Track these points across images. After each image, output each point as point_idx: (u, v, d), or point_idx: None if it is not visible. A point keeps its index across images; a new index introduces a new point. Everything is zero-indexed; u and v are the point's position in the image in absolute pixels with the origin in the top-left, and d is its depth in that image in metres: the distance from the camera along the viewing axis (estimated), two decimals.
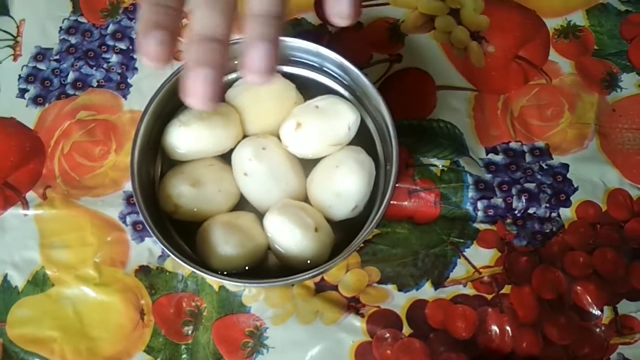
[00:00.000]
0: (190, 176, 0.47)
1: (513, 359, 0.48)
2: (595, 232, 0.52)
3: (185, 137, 0.46)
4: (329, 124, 0.47)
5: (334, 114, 0.47)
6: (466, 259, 0.51)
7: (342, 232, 0.47)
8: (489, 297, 0.50)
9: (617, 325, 0.49)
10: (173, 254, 0.43)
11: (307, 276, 0.43)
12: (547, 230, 0.52)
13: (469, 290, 0.50)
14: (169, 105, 0.48)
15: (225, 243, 0.45)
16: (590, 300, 0.49)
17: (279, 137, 0.48)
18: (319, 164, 0.48)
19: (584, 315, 0.49)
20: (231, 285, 0.49)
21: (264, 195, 0.47)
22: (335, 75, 0.50)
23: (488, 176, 0.53)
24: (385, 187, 0.47)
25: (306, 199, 0.48)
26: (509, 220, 0.52)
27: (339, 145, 0.48)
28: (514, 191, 0.52)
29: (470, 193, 0.52)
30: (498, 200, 0.52)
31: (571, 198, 0.53)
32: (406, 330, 0.49)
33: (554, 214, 0.52)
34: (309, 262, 0.45)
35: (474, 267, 0.51)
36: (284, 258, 0.46)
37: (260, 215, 0.47)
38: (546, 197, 0.52)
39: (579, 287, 0.50)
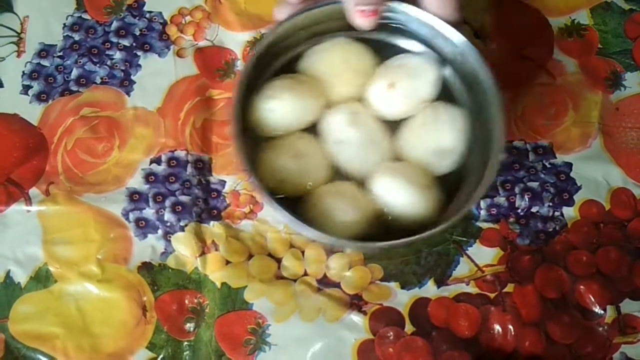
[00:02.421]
0: (289, 149, 0.45)
1: (516, 358, 0.48)
2: (599, 231, 0.52)
3: (276, 110, 0.45)
4: (417, 81, 0.46)
5: (421, 71, 0.46)
6: (469, 257, 0.51)
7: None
8: (492, 295, 0.50)
9: (620, 324, 0.49)
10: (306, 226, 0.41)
11: (434, 231, 0.41)
12: (550, 229, 0.51)
13: (472, 289, 0.50)
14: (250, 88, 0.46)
15: (341, 212, 0.43)
16: (593, 299, 0.49)
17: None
18: (411, 123, 0.47)
19: (587, 314, 0.49)
20: (360, 248, 0.48)
21: (361, 161, 0.46)
22: (411, 33, 0.48)
23: None
24: (485, 137, 0.45)
25: (399, 160, 0.47)
26: (512, 219, 0.52)
27: (427, 102, 0.47)
28: (517, 190, 0.52)
29: None
30: (501, 199, 0.52)
31: (574, 197, 0.52)
32: (408, 328, 0.49)
33: (557, 213, 0.52)
34: (423, 220, 0.44)
35: (476, 265, 0.51)
36: (398, 220, 0.44)
37: (356, 183, 0.46)
38: (549, 196, 0.52)
39: (581, 286, 0.50)
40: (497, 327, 0.48)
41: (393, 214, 0.44)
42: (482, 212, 0.52)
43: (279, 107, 0.45)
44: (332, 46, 0.47)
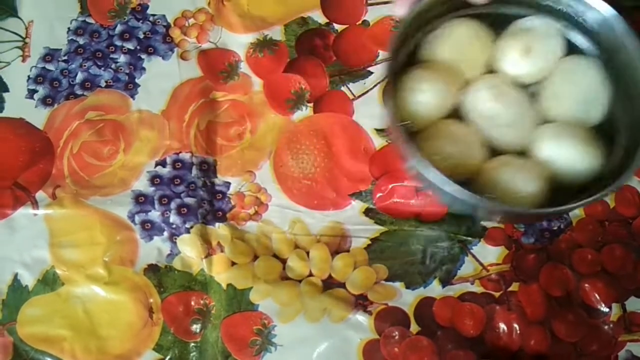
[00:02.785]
0: (444, 135, 0.46)
1: (521, 357, 0.48)
2: (604, 229, 0.51)
3: (423, 102, 0.46)
4: (550, 40, 0.47)
5: (551, 29, 0.48)
6: (474, 256, 0.51)
7: None
8: (497, 294, 0.50)
9: (626, 322, 0.49)
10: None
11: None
12: (555, 228, 0.51)
13: (477, 288, 0.50)
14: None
15: (521, 183, 0.44)
16: (598, 297, 0.49)
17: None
18: (550, 82, 0.47)
19: (592, 313, 0.49)
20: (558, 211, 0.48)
21: (514, 131, 0.47)
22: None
23: None
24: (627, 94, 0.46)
25: (549, 122, 0.47)
26: None
27: (560, 59, 0.48)
28: None
29: None
30: None
31: None
32: (414, 327, 0.49)
33: None
34: (591, 175, 0.45)
35: (481, 264, 0.51)
36: (569, 179, 0.45)
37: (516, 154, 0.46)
38: None
39: (587, 284, 0.50)
40: (503, 326, 0.49)
41: (564, 174, 0.45)
42: None
43: (425, 99, 0.46)
44: (451, 30, 0.48)
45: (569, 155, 0.44)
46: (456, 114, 0.47)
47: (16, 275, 0.51)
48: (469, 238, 0.51)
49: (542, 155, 0.45)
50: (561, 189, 0.45)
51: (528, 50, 0.46)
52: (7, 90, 0.57)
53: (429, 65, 0.48)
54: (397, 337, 0.49)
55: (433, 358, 0.48)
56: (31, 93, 0.57)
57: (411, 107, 0.46)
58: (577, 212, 0.52)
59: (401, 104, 0.46)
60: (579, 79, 0.47)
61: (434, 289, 0.50)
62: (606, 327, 0.49)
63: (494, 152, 0.46)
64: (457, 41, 0.48)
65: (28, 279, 0.51)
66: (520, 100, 0.47)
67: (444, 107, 0.47)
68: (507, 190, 0.43)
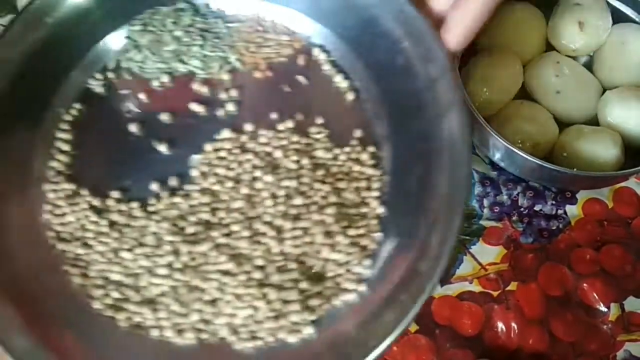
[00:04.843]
0: (519, 116, 0.49)
1: (519, 356, 0.48)
2: (602, 228, 0.52)
3: (497, 83, 0.50)
4: (597, 13, 0.51)
5: (594, 2, 0.51)
6: (472, 255, 0.51)
7: None
8: (495, 293, 0.50)
9: (624, 322, 0.49)
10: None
11: None
12: (554, 227, 0.52)
13: (475, 287, 0.50)
14: None
15: (601, 150, 0.47)
16: (597, 297, 0.49)
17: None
18: (604, 52, 0.52)
19: (591, 312, 0.49)
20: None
21: (580, 103, 0.51)
22: None
23: (494, 173, 0.53)
24: None
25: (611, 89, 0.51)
26: (515, 217, 0.52)
27: (609, 29, 0.51)
28: (519, 188, 0.52)
29: (477, 190, 0.52)
30: (504, 197, 0.52)
31: (577, 195, 0.52)
32: (412, 326, 0.49)
33: (560, 211, 0.52)
34: None
35: (480, 264, 0.51)
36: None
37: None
38: (552, 194, 0.52)
39: (585, 284, 0.50)
40: (501, 325, 0.48)
41: (635, 138, 0.49)
42: (485, 211, 0.52)
43: (495, 84, 0.50)
44: (506, 15, 0.52)
45: (638, 116, 0.48)
46: (523, 93, 0.52)
47: None
48: (468, 237, 0.51)
49: (611, 120, 0.49)
50: (634, 152, 0.49)
51: (582, 25, 0.50)
52: None
53: (491, 51, 0.51)
54: None
55: (431, 357, 0.48)
56: None
57: (482, 94, 0.49)
58: (575, 212, 0.52)
59: (471, 93, 0.48)
60: (631, 45, 0.51)
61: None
62: (605, 326, 0.49)
63: (563, 124, 0.50)
64: (514, 24, 0.52)
65: None
66: (581, 71, 0.51)
67: (513, 89, 0.50)
68: (587, 158, 0.48)
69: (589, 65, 0.53)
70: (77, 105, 0.45)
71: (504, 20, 0.52)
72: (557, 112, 0.50)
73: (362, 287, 0.39)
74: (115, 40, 0.46)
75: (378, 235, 0.40)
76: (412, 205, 0.40)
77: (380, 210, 0.41)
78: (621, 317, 0.49)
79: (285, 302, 0.38)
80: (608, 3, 0.52)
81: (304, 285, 0.39)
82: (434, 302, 0.49)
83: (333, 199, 0.41)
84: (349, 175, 0.42)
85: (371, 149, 0.43)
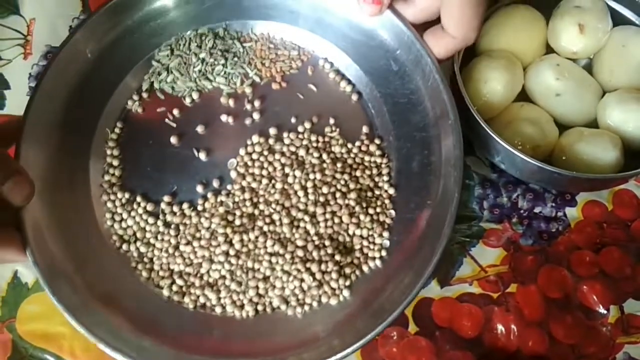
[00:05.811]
0: (519, 118, 0.50)
1: (519, 358, 0.48)
2: (602, 231, 0.52)
3: (492, 92, 0.49)
4: (600, 15, 0.51)
5: (593, 5, 0.51)
6: (472, 257, 0.51)
7: None
8: (495, 295, 0.50)
9: (624, 324, 0.49)
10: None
11: None
12: (553, 230, 0.52)
13: (475, 289, 0.50)
14: None
15: (601, 152, 0.48)
16: (596, 299, 0.49)
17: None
18: (604, 54, 0.52)
19: (590, 314, 0.49)
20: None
21: (580, 105, 0.51)
22: None
23: (494, 175, 0.53)
24: None
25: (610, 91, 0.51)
26: (514, 220, 0.52)
27: (608, 32, 0.51)
28: (519, 190, 0.53)
29: (477, 192, 0.53)
30: (504, 200, 0.52)
31: (577, 197, 0.53)
32: (412, 328, 0.49)
33: (560, 213, 0.52)
34: None
35: (480, 265, 0.51)
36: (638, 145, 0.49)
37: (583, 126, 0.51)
38: (551, 197, 0.52)
39: (585, 286, 0.50)
40: (501, 327, 0.49)
41: (634, 138, 0.49)
42: (485, 213, 0.52)
43: (496, 87, 0.49)
44: (505, 18, 0.53)
45: (637, 118, 0.48)
46: (523, 96, 0.52)
47: (16, 272, 0.51)
48: (468, 239, 0.51)
49: (611, 123, 0.49)
50: (633, 154, 0.49)
51: (582, 28, 0.50)
52: (8, 87, 0.57)
53: (491, 54, 0.51)
54: (395, 337, 0.49)
55: (431, 358, 0.48)
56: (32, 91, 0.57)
57: (482, 97, 0.49)
58: (575, 215, 0.52)
59: (472, 95, 0.49)
60: (631, 48, 0.51)
61: (433, 290, 0.50)
62: (604, 329, 0.49)
63: (563, 127, 0.51)
64: (514, 27, 0.52)
65: (28, 276, 0.51)
66: (581, 74, 0.51)
67: (513, 92, 0.51)
68: (587, 160, 0.48)
69: (588, 68, 0.53)
70: (120, 124, 0.51)
71: (504, 23, 0.52)
72: (557, 114, 0.51)
73: (384, 253, 0.47)
74: (145, 66, 0.52)
75: (391, 212, 0.48)
76: (417, 184, 0.48)
77: (391, 191, 0.49)
78: (620, 320, 0.49)
79: (325, 272, 0.46)
80: (608, 5, 0.52)
81: (337, 257, 0.47)
82: (434, 303, 0.50)
83: (352, 185, 0.49)
84: (362, 165, 0.50)
85: (377, 141, 0.51)
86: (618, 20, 0.53)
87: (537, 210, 0.52)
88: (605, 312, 0.49)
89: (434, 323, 0.49)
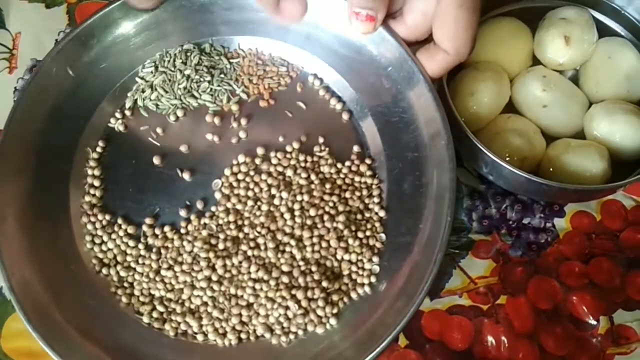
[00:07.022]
0: (506, 130, 0.49)
1: None
2: (591, 241, 0.52)
3: (478, 104, 0.50)
4: (586, 27, 0.51)
5: (584, 17, 0.51)
6: (462, 269, 0.51)
7: None
8: (485, 307, 0.50)
9: (614, 335, 0.49)
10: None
11: None
12: (542, 241, 0.52)
13: (465, 301, 0.50)
14: None
15: (589, 164, 0.48)
16: (586, 310, 0.49)
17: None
18: (590, 65, 0.52)
19: (580, 325, 0.49)
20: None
21: (567, 117, 0.51)
22: None
23: (482, 187, 0.53)
24: None
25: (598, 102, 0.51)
26: (503, 231, 0.52)
27: (594, 43, 0.52)
28: (507, 202, 0.53)
29: (465, 203, 0.53)
30: (492, 211, 0.52)
31: (565, 208, 0.53)
32: (402, 341, 0.49)
33: (548, 224, 0.52)
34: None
35: (469, 277, 0.51)
36: (627, 155, 0.49)
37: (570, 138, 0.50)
38: (540, 208, 0.52)
39: (574, 297, 0.50)
40: (491, 339, 0.48)
41: (621, 149, 0.49)
42: (474, 224, 0.52)
43: (482, 99, 0.50)
44: (491, 29, 0.52)
45: (624, 129, 0.48)
46: (510, 107, 0.52)
47: (0, 289, 0.50)
48: (457, 251, 0.51)
49: (598, 134, 0.49)
50: (620, 165, 0.49)
51: (568, 40, 0.50)
52: None
53: (478, 66, 0.51)
54: (385, 351, 0.48)
55: None
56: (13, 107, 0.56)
57: (470, 109, 0.49)
58: (563, 225, 0.52)
59: (459, 107, 0.49)
60: (618, 58, 0.51)
61: (422, 302, 0.50)
62: (594, 340, 0.49)
63: (550, 138, 0.51)
64: (500, 39, 0.52)
65: None
66: (568, 85, 0.52)
67: (500, 104, 0.51)
68: (575, 171, 0.48)
69: (575, 79, 0.53)
70: (102, 144, 0.49)
71: (491, 34, 0.52)
72: (544, 126, 0.51)
73: (373, 279, 0.45)
74: (129, 83, 0.51)
75: (382, 235, 0.46)
76: (408, 207, 0.46)
77: (382, 213, 0.47)
78: (610, 330, 0.49)
79: (311, 300, 0.44)
80: (594, 17, 0.53)
81: (325, 284, 0.45)
82: (423, 316, 0.49)
83: (341, 207, 0.47)
84: (352, 186, 0.48)
85: (368, 161, 0.49)
86: (604, 31, 0.53)
87: (525, 221, 0.52)
88: (595, 323, 0.49)
89: (424, 336, 0.49)
